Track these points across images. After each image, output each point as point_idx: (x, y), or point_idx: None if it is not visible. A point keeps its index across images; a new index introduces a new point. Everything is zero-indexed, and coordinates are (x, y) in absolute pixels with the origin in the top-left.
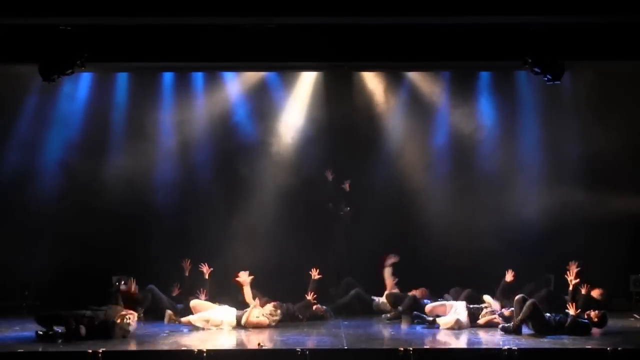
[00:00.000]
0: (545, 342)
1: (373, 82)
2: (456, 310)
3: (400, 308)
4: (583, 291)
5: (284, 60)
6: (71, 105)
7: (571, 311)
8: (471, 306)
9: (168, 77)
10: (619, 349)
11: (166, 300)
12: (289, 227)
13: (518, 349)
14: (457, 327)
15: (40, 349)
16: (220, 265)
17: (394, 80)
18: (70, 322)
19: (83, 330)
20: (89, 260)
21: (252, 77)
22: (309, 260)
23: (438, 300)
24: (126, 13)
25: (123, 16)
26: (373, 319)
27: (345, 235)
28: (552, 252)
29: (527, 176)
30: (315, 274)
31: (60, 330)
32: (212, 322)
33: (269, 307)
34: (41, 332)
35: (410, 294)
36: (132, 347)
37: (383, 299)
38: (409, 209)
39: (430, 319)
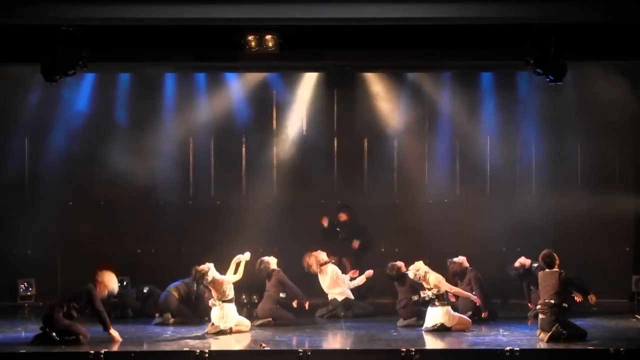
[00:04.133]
0: (547, 343)
1: (375, 82)
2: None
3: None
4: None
5: (286, 60)
6: (73, 105)
7: None
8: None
9: (170, 77)
10: (621, 349)
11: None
12: (290, 227)
13: (520, 349)
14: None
15: (41, 350)
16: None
17: (396, 80)
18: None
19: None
20: (91, 261)
21: (254, 77)
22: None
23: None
24: (127, 13)
25: (125, 16)
26: (375, 320)
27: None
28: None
29: (529, 177)
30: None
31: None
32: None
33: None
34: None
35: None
36: (134, 347)
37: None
38: (410, 210)
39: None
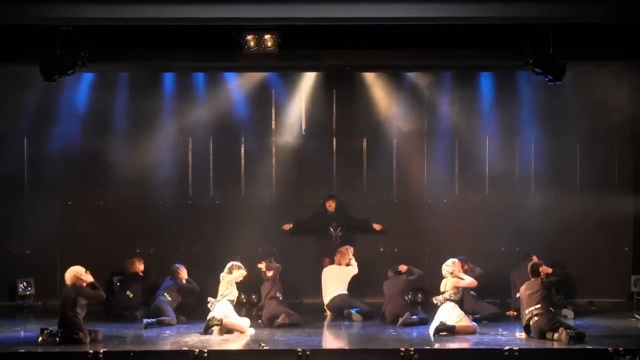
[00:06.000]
0: (547, 343)
1: (375, 82)
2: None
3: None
4: None
5: (285, 60)
6: (72, 105)
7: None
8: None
9: (169, 77)
10: (620, 349)
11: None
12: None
13: (519, 349)
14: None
15: (40, 350)
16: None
17: (396, 80)
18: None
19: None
20: (91, 261)
21: (253, 77)
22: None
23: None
24: (127, 13)
25: (124, 16)
26: (374, 320)
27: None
28: (554, 252)
29: (528, 176)
30: None
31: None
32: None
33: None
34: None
35: None
36: (134, 347)
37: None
38: (409, 210)
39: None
